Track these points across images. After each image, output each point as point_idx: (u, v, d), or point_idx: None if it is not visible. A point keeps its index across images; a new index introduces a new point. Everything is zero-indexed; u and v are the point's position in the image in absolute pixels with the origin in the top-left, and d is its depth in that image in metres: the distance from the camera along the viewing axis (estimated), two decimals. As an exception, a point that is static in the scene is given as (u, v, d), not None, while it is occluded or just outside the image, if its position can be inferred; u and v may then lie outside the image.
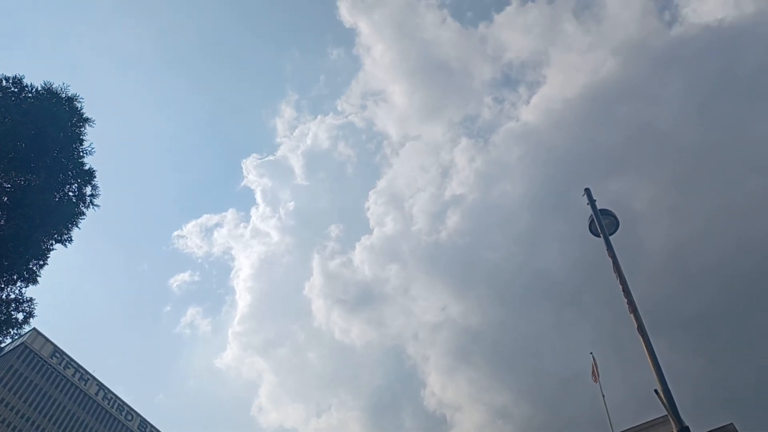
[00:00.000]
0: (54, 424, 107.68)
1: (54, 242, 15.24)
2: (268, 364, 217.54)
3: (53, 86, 16.58)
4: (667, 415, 9.51)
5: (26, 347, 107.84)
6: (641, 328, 9.67)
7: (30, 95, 16.19)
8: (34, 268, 14.96)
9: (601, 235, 12.24)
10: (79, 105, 16.36)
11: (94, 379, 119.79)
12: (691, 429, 8.18)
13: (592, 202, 12.85)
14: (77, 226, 15.59)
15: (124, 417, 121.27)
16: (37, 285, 15.01)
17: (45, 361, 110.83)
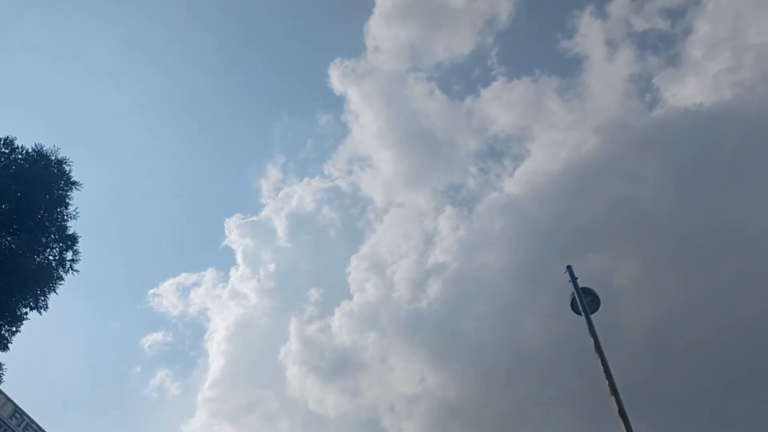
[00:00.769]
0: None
1: (29, 309, 14.93)
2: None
3: (44, 148, 16.72)
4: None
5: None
6: (622, 412, 9.58)
7: (20, 156, 16.29)
8: (6, 334, 14.56)
9: (583, 314, 12.30)
10: (68, 168, 16.44)
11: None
12: None
13: (574, 280, 12.95)
14: (55, 292, 15.34)
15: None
16: (7, 351, 14.55)
17: (3, 422, 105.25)
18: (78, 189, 16.52)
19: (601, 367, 10.69)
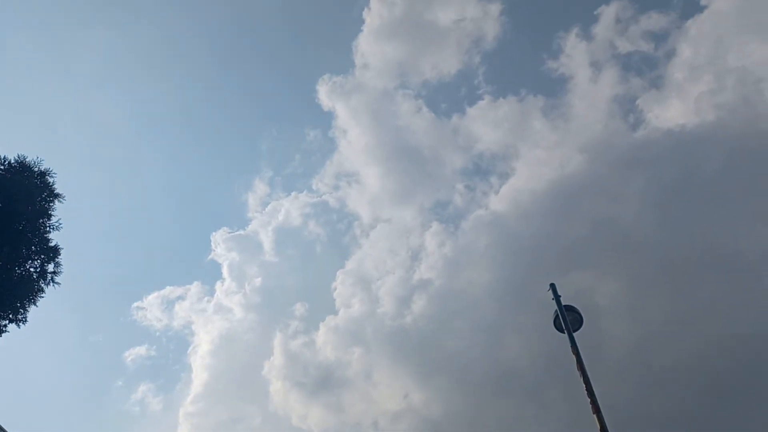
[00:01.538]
0: None
1: (8, 322, 14.66)
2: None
3: (26, 159, 16.57)
4: None
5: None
6: (604, 431, 9.63)
7: (2, 167, 16.12)
8: (-16, 347, 14.32)
9: (566, 332, 12.38)
10: (51, 180, 16.29)
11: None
12: None
13: (557, 298, 13.03)
14: (35, 304, 15.10)
15: None
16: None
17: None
18: (61, 201, 16.38)
19: (584, 385, 10.74)
